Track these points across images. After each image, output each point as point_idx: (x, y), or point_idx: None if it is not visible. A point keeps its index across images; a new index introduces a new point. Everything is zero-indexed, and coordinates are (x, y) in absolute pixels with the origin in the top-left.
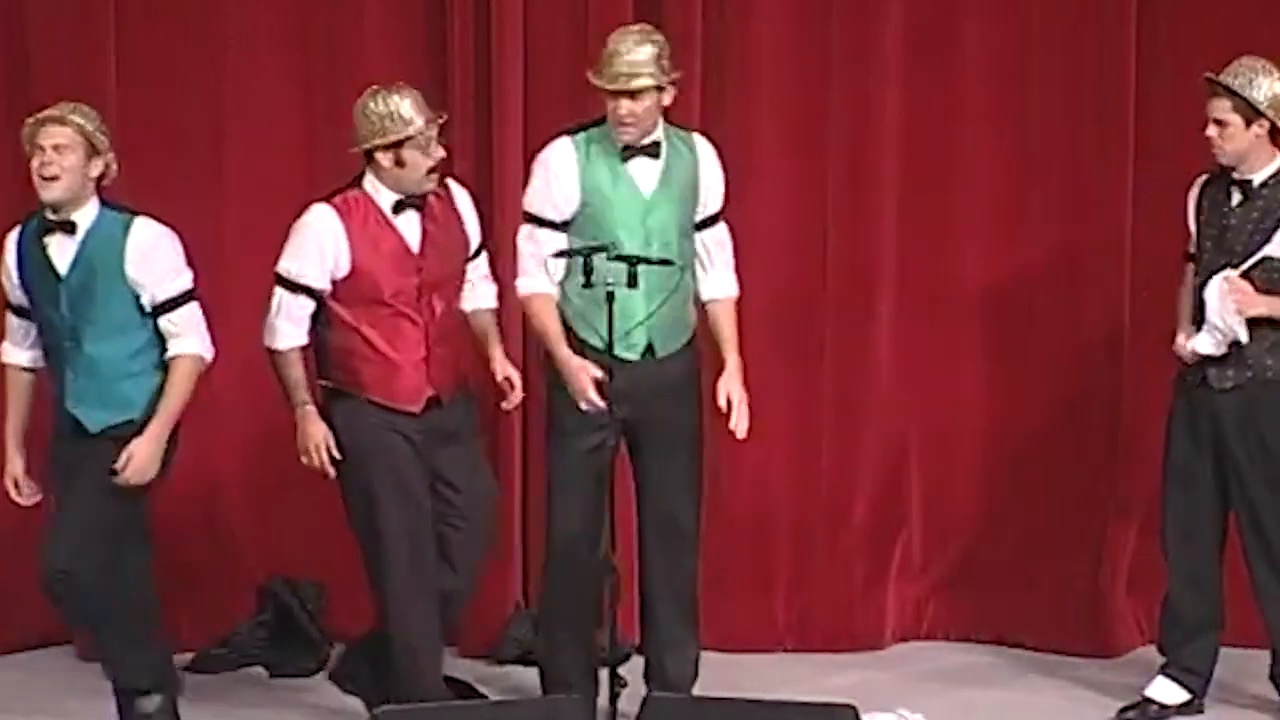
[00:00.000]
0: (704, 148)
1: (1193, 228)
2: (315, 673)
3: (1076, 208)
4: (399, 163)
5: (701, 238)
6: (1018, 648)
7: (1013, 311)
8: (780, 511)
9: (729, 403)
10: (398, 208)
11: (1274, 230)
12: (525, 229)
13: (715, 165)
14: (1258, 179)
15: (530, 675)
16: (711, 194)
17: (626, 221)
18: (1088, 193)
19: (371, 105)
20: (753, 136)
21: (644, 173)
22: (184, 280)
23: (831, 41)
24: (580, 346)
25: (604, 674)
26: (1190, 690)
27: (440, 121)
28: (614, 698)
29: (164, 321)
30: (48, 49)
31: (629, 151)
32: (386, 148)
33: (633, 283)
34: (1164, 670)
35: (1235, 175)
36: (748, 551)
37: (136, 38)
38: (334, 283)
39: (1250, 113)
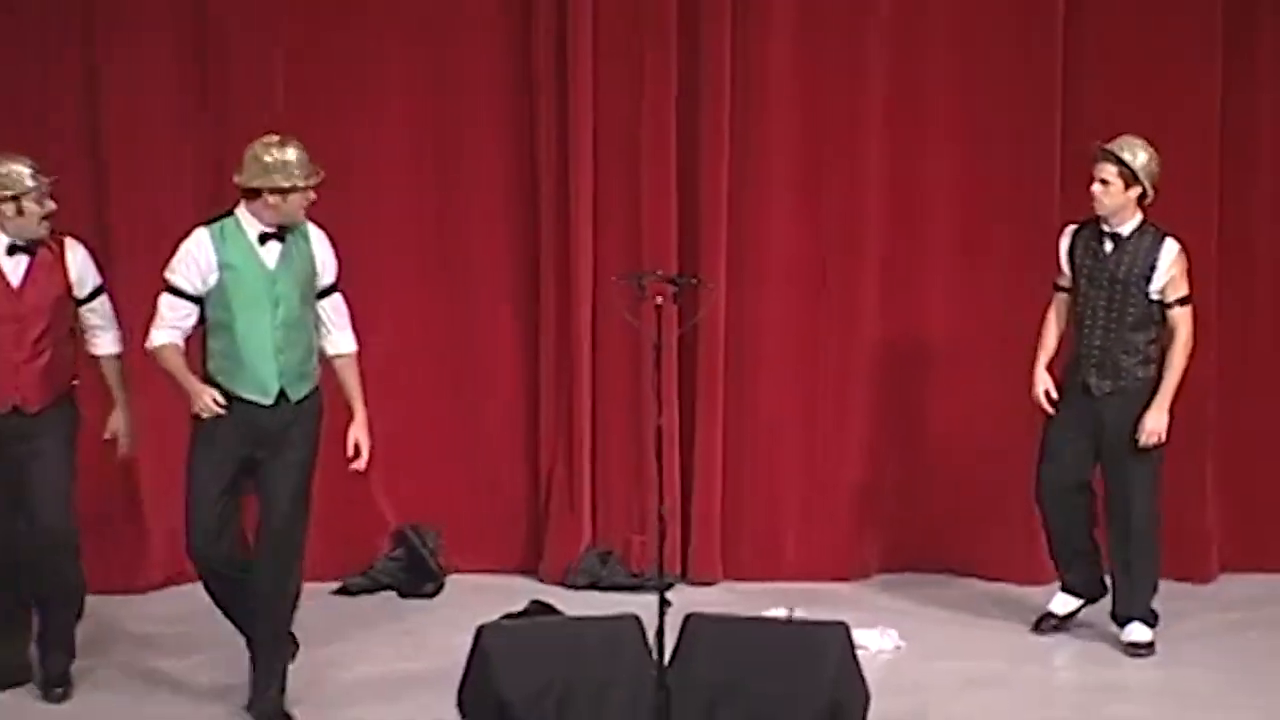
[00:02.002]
0: (316, 233)
1: (1065, 266)
2: (434, 596)
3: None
4: (19, 212)
5: (322, 305)
6: (977, 577)
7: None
8: (791, 477)
9: (357, 448)
10: (10, 250)
11: (1148, 273)
12: (166, 297)
13: (325, 247)
14: (1125, 230)
15: (597, 598)
16: (324, 269)
17: (256, 290)
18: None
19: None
20: (770, 174)
21: (271, 252)
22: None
23: (828, 102)
24: (222, 391)
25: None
26: (1079, 596)
27: (50, 180)
28: (662, 615)
29: None
30: (228, 88)
31: (265, 234)
32: (9, 199)
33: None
34: (1067, 590)
35: (1106, 228)
36: (764, 506)
37: (301, 82)
38: None
39: (1130, 178)
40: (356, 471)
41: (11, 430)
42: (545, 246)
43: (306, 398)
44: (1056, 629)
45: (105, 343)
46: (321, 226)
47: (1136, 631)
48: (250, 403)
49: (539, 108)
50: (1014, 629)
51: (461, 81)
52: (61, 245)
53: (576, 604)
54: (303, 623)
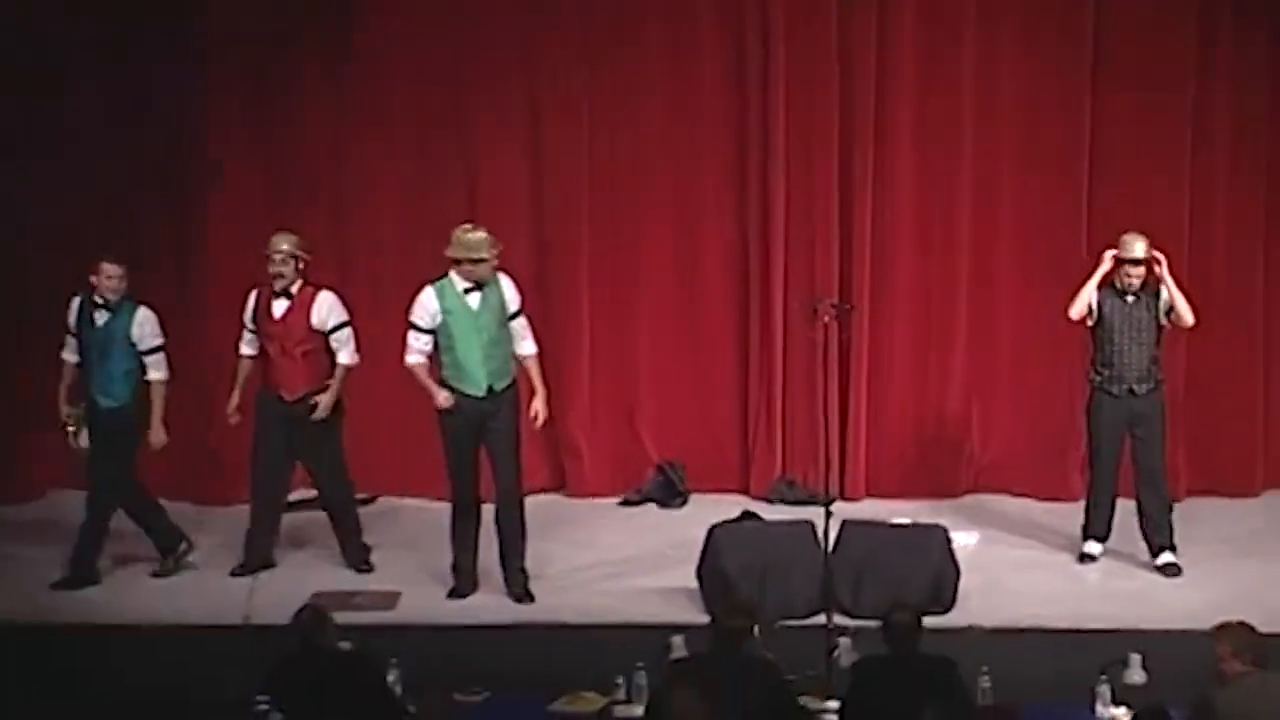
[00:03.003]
0: (505, 280)
1: (1095, 305)
2: (681, 508)
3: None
4: (269, 265)
5: (512, 325)
6: (1028, 497)
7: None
8: (911, 433)
9: (536, 414)
10: (274, 294)
11: (1157, 307)
12: (411, 332)
13: (511, 289)
14: (1138, 287)
15: (785, 510)
16: (511, 303)
17: (467, 324)
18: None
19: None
20: (896, 232)
21: (474, 298)
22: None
23: (933, 182)
24: (452, 389)
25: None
26: (1101, 542)
27: (282, 251)
28: (827, 521)
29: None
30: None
31: (468, 288)
32: (266, 255)
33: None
34: (1095, 539)
35: (1127, 288)
36: (894, 451)
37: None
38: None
39: (1147, 269)
40: (544, 424)
41: (278, 408)
42: (753, 278)
43: (507, 388)
44: (1093, 562)
45: (342, 357)
46: (511, 275)
47: (1170, 555)
48: (470, 395)
49: (748, 196)
50: (1053, 531)
51: (698, 171)
52: (315, 294)
53: (772, 513)
54: (597, 525)
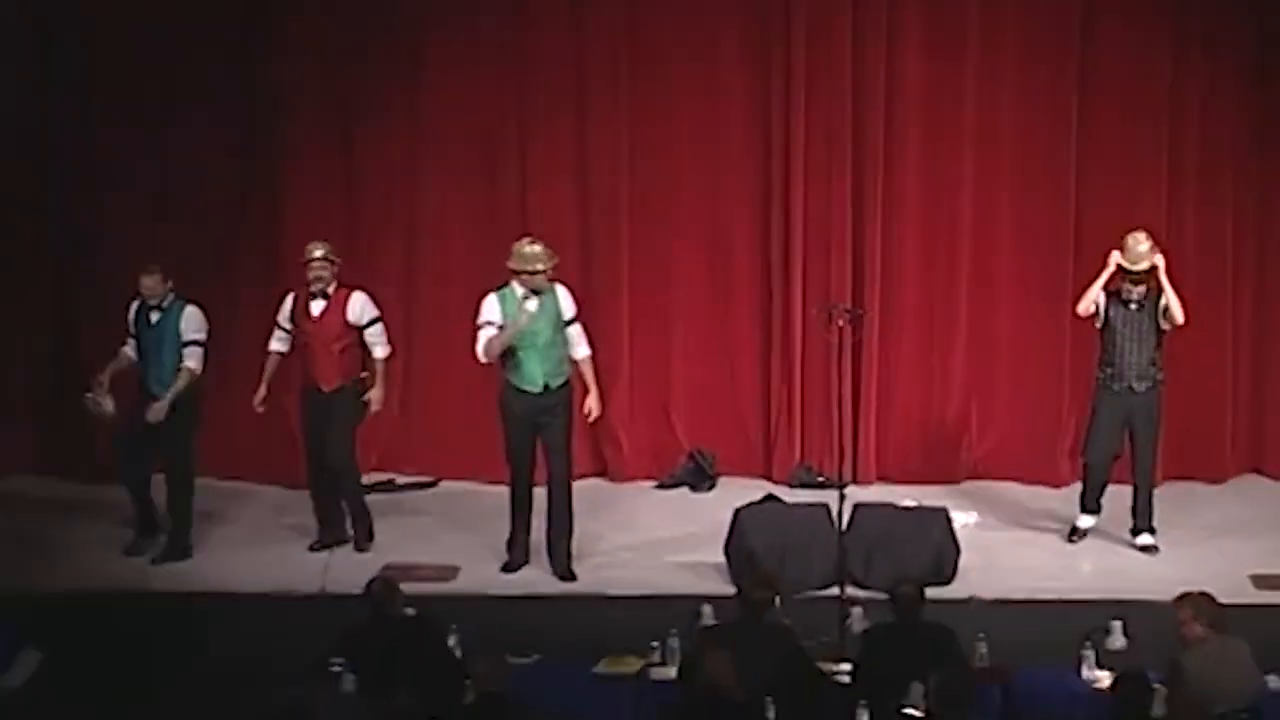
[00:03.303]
0: (561, 290)
1: (1102, 309)
2: (709, 491)
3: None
4: (307, 271)
5: (567, 331)
6: (1022, 482)
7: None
8: (915, 424)
9: (590, 410)
10: (310, 295)
11: (1156, 313)
12: (483, 329)
13: (567, 298)
14: (1141, 295)
15: (803, 493)
16: (566, 310)
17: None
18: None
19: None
20: (903, 246)
21: (532, 305)
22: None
23: (936, 200)
24: (513, 387)
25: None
26: (1094, 515)
27: (318, 257)
28: (841, 503)
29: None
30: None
31: (526, 295)
32: (303, 264)
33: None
34: (1086, 513)
35: (1132, 297)
36: (900, 441)
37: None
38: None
39: (1151, 278)
40: (597, 419)
41: (313, 399)
42: (774, 287)
43: (561, 386)
44: (1083, 537)
45: (378, 351)
46: (569, 286)
47: (1149, 537)
48: (527, 391)
49: (771, 213)
50: (1043, 513)
51: (726, 191)
52: (349, 294)
53: (792, 496)
54: (635, 506)
